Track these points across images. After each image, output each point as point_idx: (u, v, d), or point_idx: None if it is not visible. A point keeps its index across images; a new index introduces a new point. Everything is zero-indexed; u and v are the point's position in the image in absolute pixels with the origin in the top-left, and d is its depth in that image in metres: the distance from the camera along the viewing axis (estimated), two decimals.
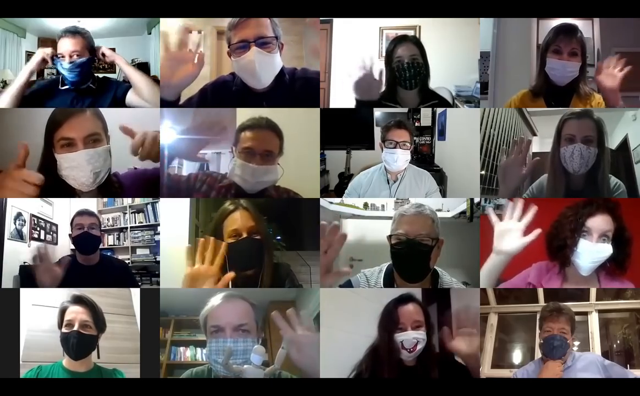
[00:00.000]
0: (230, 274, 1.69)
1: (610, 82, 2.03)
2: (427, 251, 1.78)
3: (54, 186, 1.81)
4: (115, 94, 2.25)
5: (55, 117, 1.82)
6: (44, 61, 2.21)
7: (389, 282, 1.87)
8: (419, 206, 1.84)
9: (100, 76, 2.35)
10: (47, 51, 2.20)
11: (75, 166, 1.79)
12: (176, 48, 1.89)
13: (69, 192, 1.86)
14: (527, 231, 1.72)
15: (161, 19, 2.27)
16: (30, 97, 2.22)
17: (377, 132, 2.81)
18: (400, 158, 2.31)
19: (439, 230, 1.82)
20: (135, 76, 2.19)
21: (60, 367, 1.81)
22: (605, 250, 1.78)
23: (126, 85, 2.25)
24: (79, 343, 1.79)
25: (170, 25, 2.00)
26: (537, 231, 1.74)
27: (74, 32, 2.19)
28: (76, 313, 1.81)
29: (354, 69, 2.12)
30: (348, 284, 1.87)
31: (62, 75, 2.21)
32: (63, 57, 2.17)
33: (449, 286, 1.87)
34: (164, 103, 1.97)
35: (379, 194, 2.43)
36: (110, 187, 1.92)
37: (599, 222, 1.79)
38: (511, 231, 1.73)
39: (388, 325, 1.80)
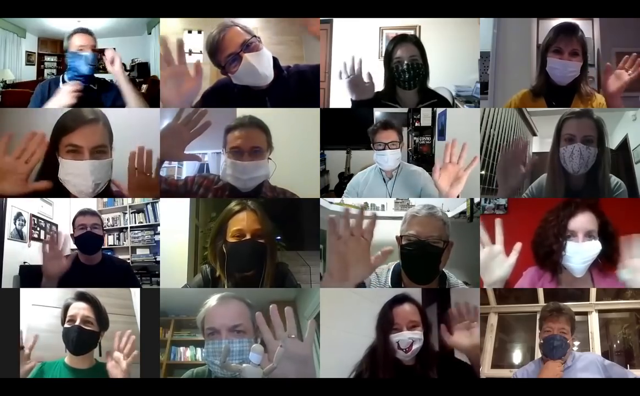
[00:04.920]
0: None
1: (616, 85, 2.02)
2: (437, 253, 1.77)
3: (52, 187, 1.80)
4: (114, 104, 2.25)
5: (67, 121, 1.80)
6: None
7: (396, 282, 1.87)
8: (431, 207, 1.83)
9: (99, 76, 2.36)
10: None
11: (79, 174, 1.78)
12: (170, 65, 1.88)
13: (67, 194, 1.85)
14: (507, 247, 1.74)
15: (161, 19, 2.28)
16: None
17: None
18: (390, 158, 2.37)
19: (450, 232, 1.81)
20: (130, 98, 2.19)
21: (62, 364, 1.82)
22: (594, 248, 1.78)
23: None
24: (79, 338, 1.79)
25: (170, 25, 2.00)
26: (518, 246, 1.75)
27: (86, 30, 2.24)
28: (78, 309, 1.82)
29: (341, 72, 2.13)
30: (361, 284, 1.85)
31: (75, 68, 2.22)
32: (82, 49, 2.21)
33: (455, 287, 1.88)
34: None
35: (376, 192, 2.45)
36: (108, 194, 1.92)
37: (581, 221, 1.79)
38: (494, 258, 1.74)
39: (384, 326, 1.80)
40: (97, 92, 2.27)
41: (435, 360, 1.81)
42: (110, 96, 2.26)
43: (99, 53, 2.26)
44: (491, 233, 1.78)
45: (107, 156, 1.83)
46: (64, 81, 2.24)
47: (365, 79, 2.14)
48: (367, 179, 2.46)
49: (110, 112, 1.91)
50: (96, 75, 2.32)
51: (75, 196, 1.85)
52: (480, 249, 1.78)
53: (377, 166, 2.45)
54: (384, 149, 2.36)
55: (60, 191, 1.82)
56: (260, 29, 2.06)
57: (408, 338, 1.77)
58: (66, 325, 1.82)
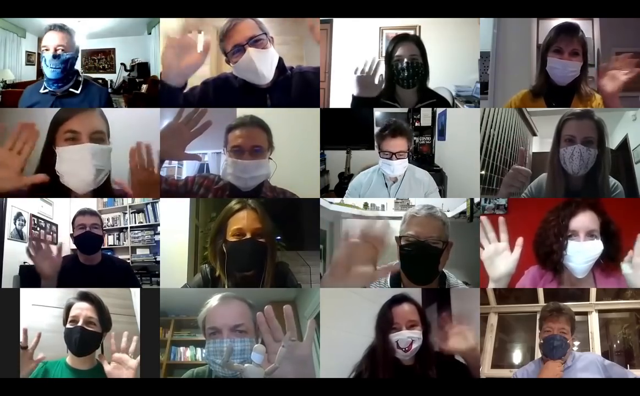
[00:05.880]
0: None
1: (612, 86, 2.01)
2: (436, 253, 1.77)
3: (51, 186, 1.79)
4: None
5: (62, 114, 1.81)
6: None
7: (396, 282, 1.86)
8: (430, 207, 1.82)
9: (92, 76, 2.33)
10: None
11: (79, 159, 1.76)
12: (178, 35, 1.89)
13: (67, 193, 1.84)
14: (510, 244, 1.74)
15: (161, 19, 2.27)
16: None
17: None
18: (397, 168, 2.31)
19: (449, 232, 1.81)
20: None
21: (63, 364, 1.81)
22: (596, 247, 1.77)
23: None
24: (81, 339, 1.78)
25: (170, 25, 2.00)
26: (520, 241, 1.74)
27: (61, 27, 2.16)
28: (81, 310, 1.80)
29: (356, 68, 2.12)
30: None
31: (44, 74, 2.17)
32: (47, 50, 2.13)
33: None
34: (170, 89, 1.93)
35: (379, 194, 2.43)
36: (109, 193, 1.91)
37: (582, 220, 1.78)
38: (499, 254, 1.74)
39: (383, 325, 1.80)
40: (80, 99, 2.21)
41: (434, 360, 1.81)
42: (94, 104, 2.20)
43: (98, 54, 2.23)
44: (496, 230, 1.78)
45: (105, 143, 1.82)
46: (44, 87, 2.20)
47: (376, 81, 2.13)
48: (370, 181, 2.42)
49: (110, 112, 1.91)
50: (90, 75, 2.30)
51: (75, 194, 1.84)
52: (485, 247, 1.76)
53: (379, 168, 2.40)
54: (390, 158, 2.29)
55: (60, 190, 1.82)
56: None
57: (407, 338, 1.76)
58: (68, 326, 1.80)
